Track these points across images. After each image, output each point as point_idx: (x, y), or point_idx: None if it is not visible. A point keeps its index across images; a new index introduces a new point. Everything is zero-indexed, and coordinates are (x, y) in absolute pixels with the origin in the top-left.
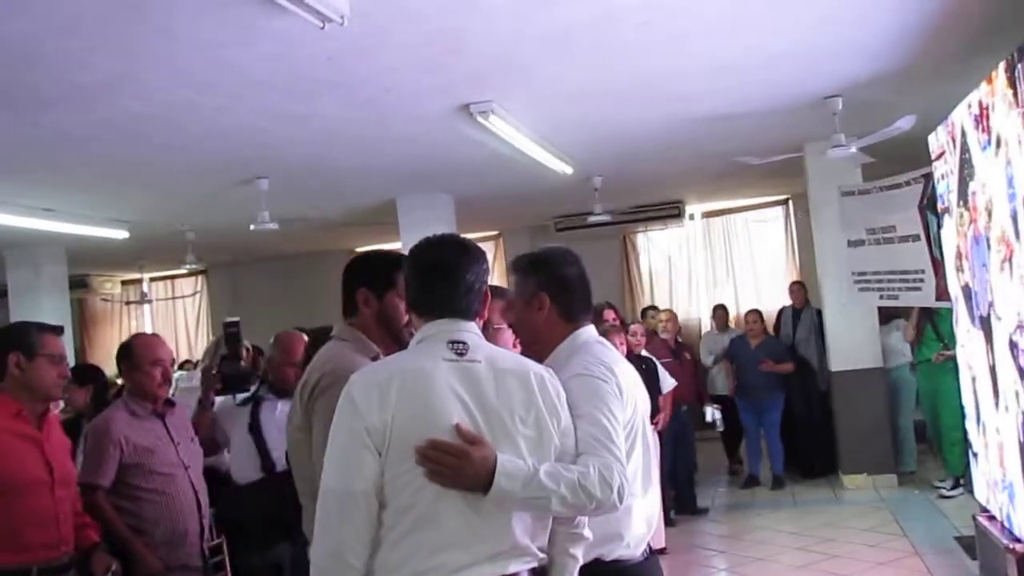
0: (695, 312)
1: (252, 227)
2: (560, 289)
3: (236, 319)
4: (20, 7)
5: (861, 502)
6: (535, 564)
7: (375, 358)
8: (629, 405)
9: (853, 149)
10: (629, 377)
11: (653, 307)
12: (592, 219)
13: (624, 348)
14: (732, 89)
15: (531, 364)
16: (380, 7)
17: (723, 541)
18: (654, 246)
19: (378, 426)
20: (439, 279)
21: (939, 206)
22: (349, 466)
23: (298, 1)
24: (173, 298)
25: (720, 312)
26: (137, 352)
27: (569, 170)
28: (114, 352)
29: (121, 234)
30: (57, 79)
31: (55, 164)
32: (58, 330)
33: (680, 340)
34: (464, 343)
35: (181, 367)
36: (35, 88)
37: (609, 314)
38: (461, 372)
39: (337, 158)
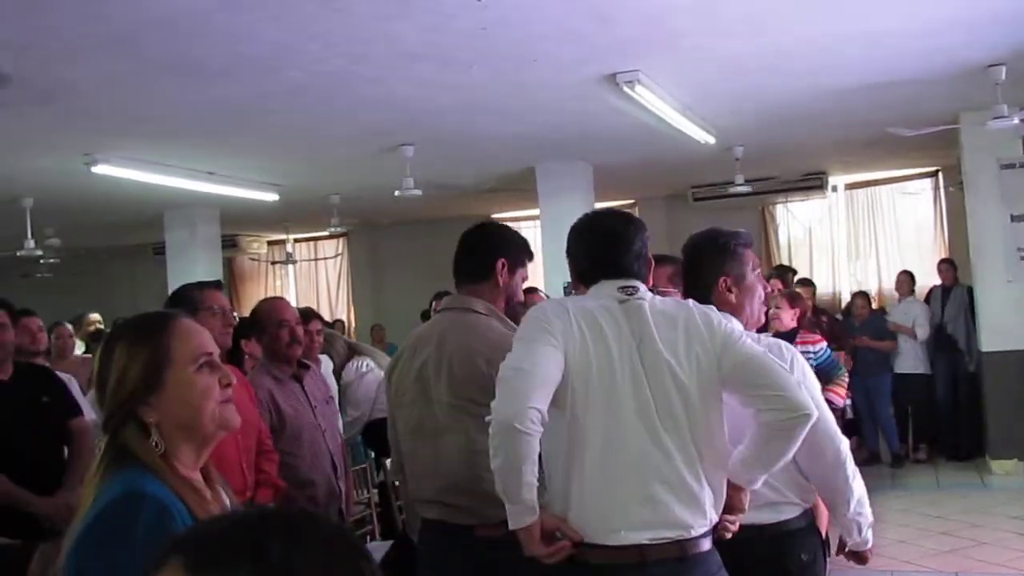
0: (834, 287)
1: (397, 193)
2: None
3: None
4: None
5: (1011, 488)
6: None
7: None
8: None
9: (1016, 120)
10: None
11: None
12: (732, 190)
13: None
14: (886, 58)
15: (694, 304)
16: None
17: None
18: (794, 218)
19: (570, 336)
20: (610, 245)
21: None
22: (539, 354)
23: None
24: (316, 259)
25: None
26: (262, 316)
27: (712, 140)
28: None
29: (272, 197)
30: (223, 51)
31: (217, 130)
32: (216, 284)
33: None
34: (634, 286)
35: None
36: (202, 59)
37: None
38: (628, 308)
39: (481, 126)
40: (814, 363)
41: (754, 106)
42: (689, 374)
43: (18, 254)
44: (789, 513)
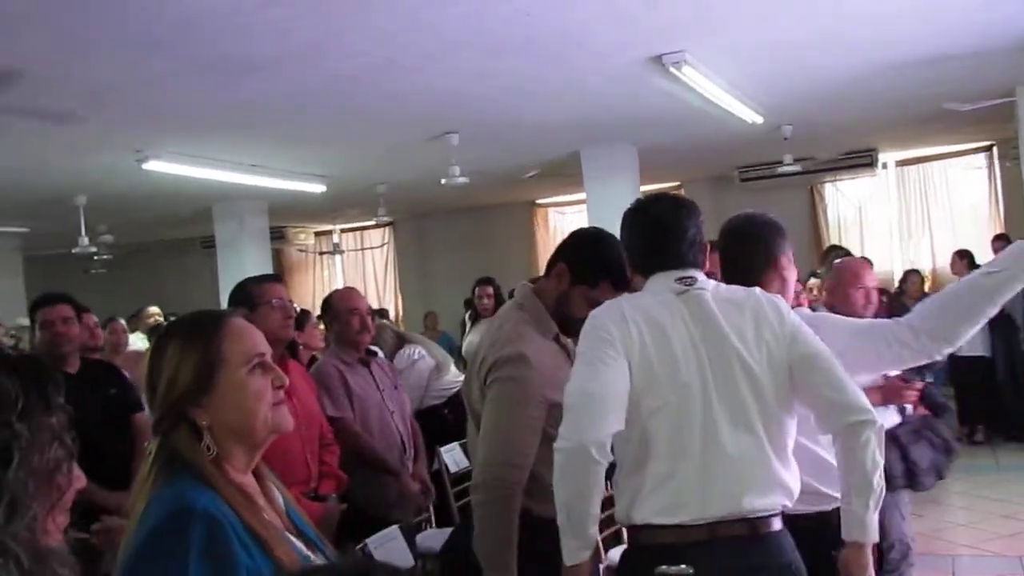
0: (886, 265)
1: (443, 181)
2: None
3: None
4: None
5: None
6: None
7: (555, 338)
8: None
9: None
10: None
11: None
12: (780, 170)
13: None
14: (941, 32)
15: (759, 292)
16: None
17: (921, 505)
18: (843, 196)
19: (626, 343)
20: (663, 233)
21: None
22: (603, 374)
23: None
24: (362, 249)
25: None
26: (335, 304)
27: (759, 119)
28: (308, 300)
29: (319, 188)
30: (268, 46)
31: (262, 123)
32: (276, 278)
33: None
34: (692, 277)
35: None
36: (247, 55)
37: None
38: (688, 300)
39: (525, 112)
40: None
41: (803, 84)
42: (759, 360)
43: (73, 251)
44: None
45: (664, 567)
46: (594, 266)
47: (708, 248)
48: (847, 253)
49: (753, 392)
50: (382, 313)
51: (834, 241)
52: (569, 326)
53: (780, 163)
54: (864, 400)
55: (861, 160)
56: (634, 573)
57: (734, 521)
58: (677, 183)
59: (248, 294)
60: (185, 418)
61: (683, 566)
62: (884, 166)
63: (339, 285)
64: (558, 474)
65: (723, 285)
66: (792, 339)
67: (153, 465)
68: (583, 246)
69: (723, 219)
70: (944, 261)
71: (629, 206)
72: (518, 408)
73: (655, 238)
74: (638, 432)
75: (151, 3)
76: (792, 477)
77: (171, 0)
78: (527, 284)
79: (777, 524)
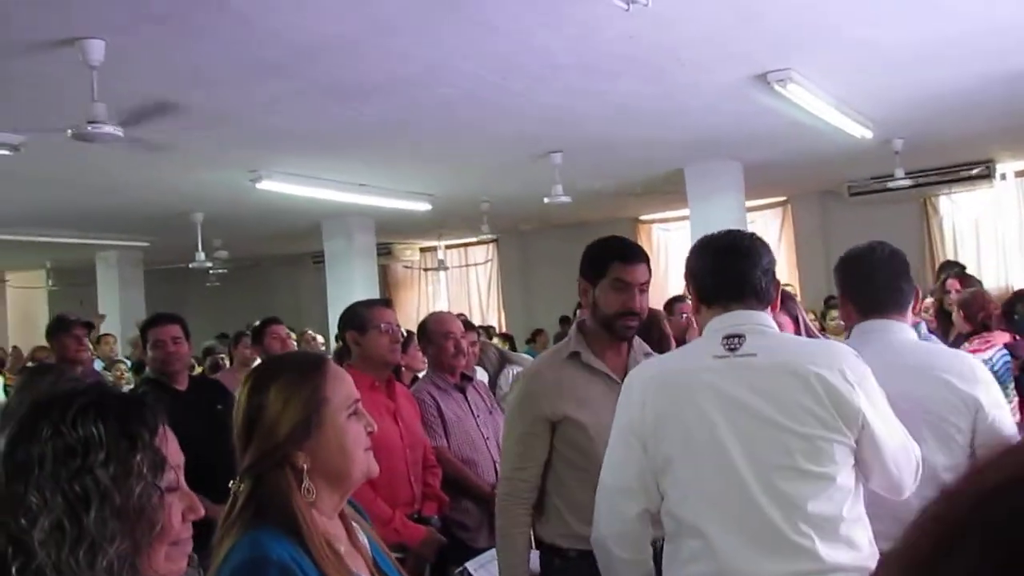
0: (1002, 281)
1: (546, 200)
2: None
3: None
4: (346, 9)
5: None
6: None
7: (573, 354)
8: None
9: None
10: None
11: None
12: (892, 184)
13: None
14: None
15: (821, 355)
16: None
17: None
18: (958, 209)
19: (639, 423)
20: (739, 258)
21: None
22: (615, 461)
23: None
24: (466, 265)
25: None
26: (431, 328)
27: (869, 134)
28: (413, 316)
29: (424, 206)
30: (377, 71)
31: (371, 145)
32: (386, 302)
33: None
34: (740, 336)
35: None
36: (357, 80)
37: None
38: (732, 368)
39: (628, 131)
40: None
41: (915, 97)
42: (802, 438)
43: (190, 266)
44: None
45: None
46: (593, 257)
47: (780, 285)
48: (962, 268)
49: (795, 475)
50: (487, 331)
51: (949, 256)
52: (617, 329)
53: (891, 177)
54: (911, 484)
55: (977, 172)
56: None
57: None
58: (784, 198)
59: (359, 317)
60: (285, 460)
61: None
62: (1003, 177)
63: (443, 301)
64: (598, 561)
65: (784, 340)
66: (864, 422)
67: (245, 507)
68: (584, 255)
69: (831, 235)
70: None
71: (699, 239)
72: (507, 426)
73: (729, 263)
74: (666, 508)
75: (273, 31)
76: (839, 544)
77: (292, 28)
78: (574, 326)
79: None
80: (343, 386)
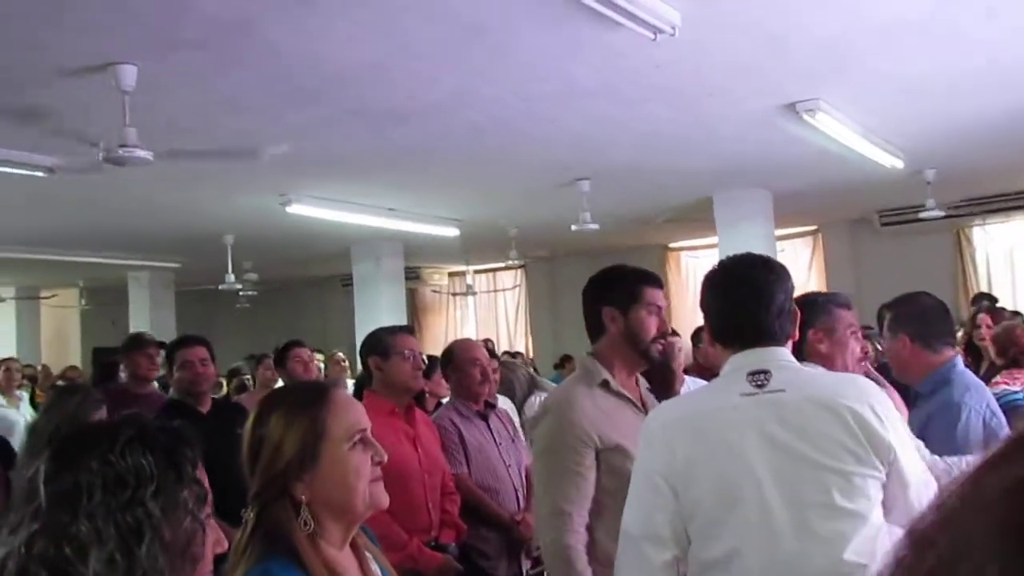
0: None
1: (573, 228)
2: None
3: None
4: (374, 36)
5: None
6: None
7: (603, 383)
8: None
9: None
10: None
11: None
12: (924, 214)
13: None
14: None
15: (849, 388)
16: (711, 15)
17: None
18: (992, 240)
19: (668, 467)
20: (749, 301)
21: None
22: (641, 508)
23: (631, 16)
24: (495, 291)
25: None
26: (457, 355)
27: (900, 164)
28: (441, 341)
29: (452, 232)
30: (404, 97)
31: (399, 169)
32: (408, 329)
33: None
34: (766, 372)
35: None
36: (385, 106)
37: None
38: (762, 405)
39: (656, 159)
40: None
41: (946, 128)
42: (838, 474)
43: (220, 287)
44: None
45: None
46: (625, 284)
47: (797, 317)
48: (993, 302)
49: (829, 513)
50: (518, 357)
51: (983, 287)
52: (652, 354)
53: (922, 207)
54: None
55: (1013, 202)
56: None
57: None
58: (814, 227)
59: (381, 343)
60: (285, 491)
61: None
62: None
63: (471, 326)
64: None
65: (812, 376)
66: (894, 457)
67: (252, 538)
68: (602, 284)
69: (862, 264)
70: None
71: (712, 267)
72: (547, 458)
73: (740, 305)
74: (692, 552)
75: (303, 57)
76: None
77: (321, 55)
78: (586, 356)
79: None
80: (346, 416)
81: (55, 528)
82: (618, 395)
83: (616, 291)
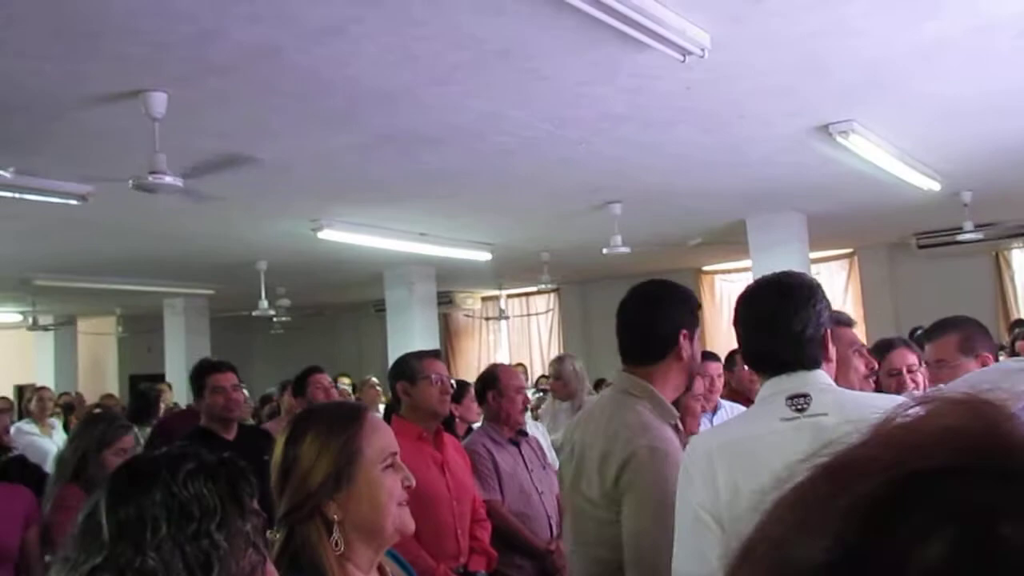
0: None
1: (604, 251)
2: None
3: None
4: (402, 59)
5: None
6: None
7: (674, 427)
8: None
9: None
10: None
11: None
12: (961, 237)
13: None
14: None
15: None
16: (741, 37)
17: None
18: None
19: (711, 500)
20: (762, 331)
21: None
22: (689, 547)
23: (661, 38)
24: (527, 315)
25: None
26: (502, 379)
27: (936, 186)
28: (474, 365)
29: (484, 256)
30: (435, 121)
31: (430, 194)
32: (435, 353)
33: None
34: (805, 396)
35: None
36: (416, 130)
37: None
38: (803, 430)
39: (688, 182)
40: None
41: (983, 150)
42: None
43: (253, 313)
44: None
45: None
46: (692, 305)
47: (828, 339)
48: None
49: None
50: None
51: (1022, 309)
52: (694, 379)
53: (960, 229)
54: None
55: None
56: None
57: None
58: (850, 250)
59: (409, 368)
60: (317, 511)
61: None
62: None
63: (504, 350)
64: None
65: (855, 398)
66: None
67: (280, 557)
68: (680, 300)
69: (899, 287)
70: None
71: (744, 289)
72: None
73: (756, 335)
74: None
75: (332, 83)
76: None
77: (351, 80)
78: (624, 370)
79: None
80: (379, 438)
81: (119, 562)
82: (680, 435)
83: (693, 312)
